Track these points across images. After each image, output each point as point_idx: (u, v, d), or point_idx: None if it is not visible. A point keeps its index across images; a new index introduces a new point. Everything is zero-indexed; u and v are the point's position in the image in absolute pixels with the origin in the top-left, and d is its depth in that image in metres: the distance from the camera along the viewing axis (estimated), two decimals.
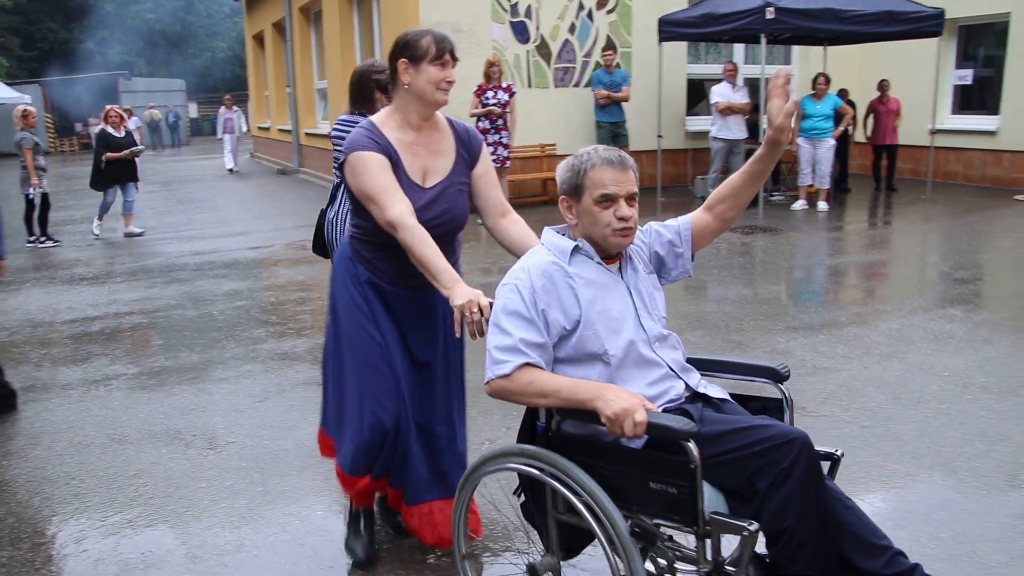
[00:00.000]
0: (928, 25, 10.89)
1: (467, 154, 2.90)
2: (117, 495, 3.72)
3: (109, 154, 10.86)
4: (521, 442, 2.44)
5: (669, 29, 11.62)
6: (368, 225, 2.79)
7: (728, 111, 11.55)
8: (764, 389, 2.50)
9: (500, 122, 10.62)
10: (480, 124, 10.55)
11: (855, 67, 14.36)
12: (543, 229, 2.50)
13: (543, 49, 12.61)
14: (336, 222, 3.60)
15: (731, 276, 7.79)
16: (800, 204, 11.56)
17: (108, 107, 11.47)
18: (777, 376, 2.45)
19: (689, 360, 2.48)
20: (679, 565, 2.28)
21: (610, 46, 12.65)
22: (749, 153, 11.78)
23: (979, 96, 13.52)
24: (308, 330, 6.26)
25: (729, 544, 2.06)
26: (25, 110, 10.52)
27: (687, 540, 2.22)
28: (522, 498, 2.47)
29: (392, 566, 3.09)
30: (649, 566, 2.33)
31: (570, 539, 2.38)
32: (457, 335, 2.52)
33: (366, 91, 3.60)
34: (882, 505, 3.41)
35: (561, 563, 2.39)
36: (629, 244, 2.41)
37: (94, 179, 11.11)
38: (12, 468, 4.07)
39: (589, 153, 2.37)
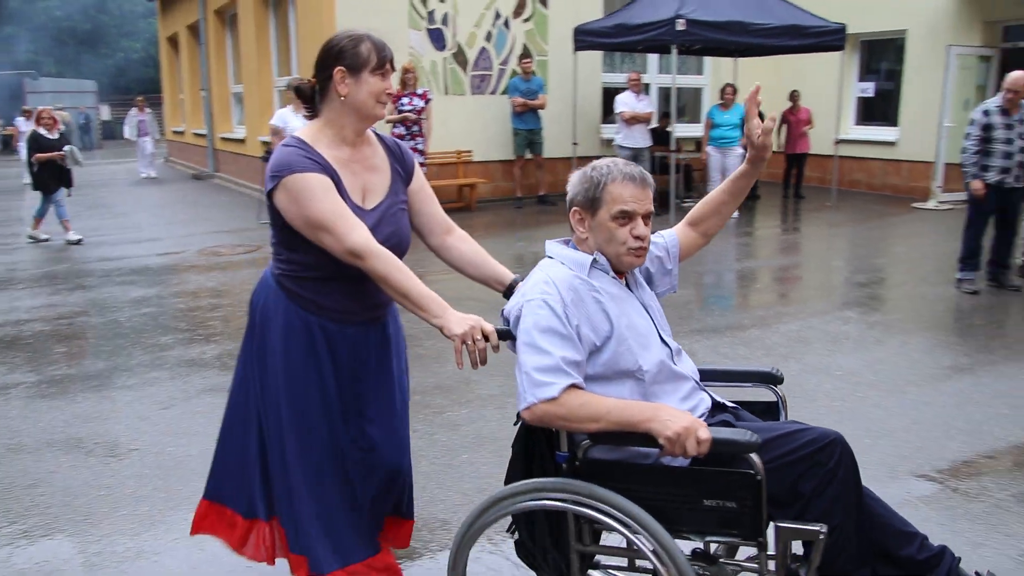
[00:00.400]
0: (831, 39, 11.33)
1: (402, 170, 2.64)
2: (12, 505, 3.64)
3: (38, 155, 10.57)
4: (515, 480, 2.26)
5: (584, 38, 11.84)
6: (307, 259, 2.46)
7: (633, 120, 11.78)
8: (752, 393, 2.59)
9: (415, 128, 10.72)
10: (396, 131, 10.60)
11: (764, 79, 14.76)
12: (545, 242, 2.39)
13: (460, 56, 12.69)
14: None
15: None
16: None
17: (40, 108, 11.22)
18: (773, 380, 2.53)
19: None
20: None
21: (527, 54, 12.79)
22: (654, 160, 12.14)
23: (881, 108, 14.09)
24: (217, 336, 6.18)
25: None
26: None
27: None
28: (515, 535, 2.34)
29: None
30: None
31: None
32: (459, 367, 2.27)
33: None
34: None
35: None
36: (641, 264, 2.32)
37: (34, 183, 10.82)
38: None
39: (609, 166, 2.24)
